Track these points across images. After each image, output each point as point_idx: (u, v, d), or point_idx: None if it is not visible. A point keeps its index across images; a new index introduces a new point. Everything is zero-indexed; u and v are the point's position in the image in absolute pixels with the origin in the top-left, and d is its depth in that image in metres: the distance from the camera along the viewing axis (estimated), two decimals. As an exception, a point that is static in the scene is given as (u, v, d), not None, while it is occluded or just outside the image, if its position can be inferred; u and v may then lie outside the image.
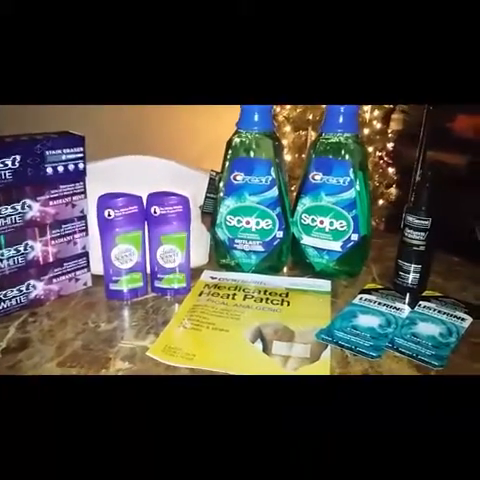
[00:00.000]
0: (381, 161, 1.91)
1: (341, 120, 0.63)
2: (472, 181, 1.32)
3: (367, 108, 1.80)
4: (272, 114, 0.66)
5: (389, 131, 1.88)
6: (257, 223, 0.67)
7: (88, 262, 0.65)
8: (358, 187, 0.65)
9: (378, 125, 1.83)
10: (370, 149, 1.85)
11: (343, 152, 0.64)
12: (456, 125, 1.48)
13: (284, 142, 1.86)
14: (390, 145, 1.90)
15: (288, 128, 1.86)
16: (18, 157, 0.54)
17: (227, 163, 0.67)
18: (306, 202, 0.68)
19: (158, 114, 2.00)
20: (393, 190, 1.93)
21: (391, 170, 1.92)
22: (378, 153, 1.90)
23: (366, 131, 1.80)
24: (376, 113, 1.83)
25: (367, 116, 1.81)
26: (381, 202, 1.91)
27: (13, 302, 0.58)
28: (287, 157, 1.85)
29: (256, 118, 0.64)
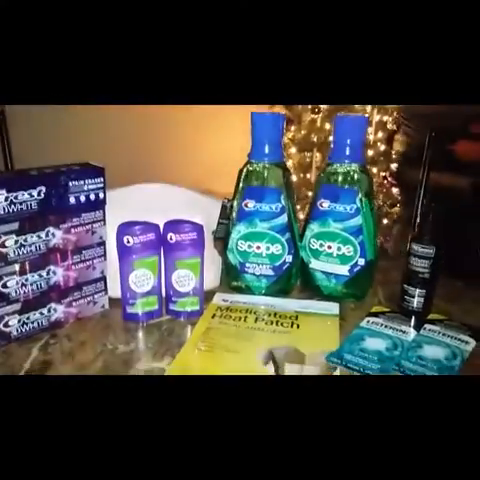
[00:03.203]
0: (385, 181, 1.95)
1: (348, 151, 0.66)
2: (476, 204, 1.35)
3: (371, 130, 1.84)
4: (282, 145, 0.70)
5: (393, 152, 1.92)
6: (267, 248, 0.70)
7: (106, 286, 0.68)
8: (364, 214, 0.68)
9: (382, 147, 1.87)
10: (374, 170, 1.89)
11: (350, 181, 0.67)
12: (458, 148, 1.52)
13: (289, 163, 1.91)
14: (394, 166, 1.94)
15: (293, 149, 1.90)
16: (43, 188, 0.57)
17: (239, 191, 0.70)
18: (314, 228, 0.71)
19: (161, 139, 2.06)
20: (397, 209, 1.96)
21: (395, 190, 1.95)
22: (382, 173, 1.94)
23: (370, 153, 1.84)
24: (380, 135, 1.88)
25: (371, 138, 1.86)
26: (385, 221, 1.94)
27: (35, 325, 0.61)
28: (293, 177, 1.88)
29: (267, 150, 0.67)
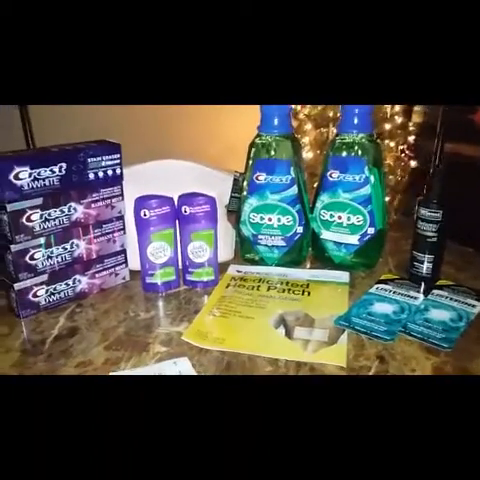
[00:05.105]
0: (403, 155, 1.92)
1: (356, 121, 0.68)
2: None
3: (388, 103, 1.81)
4: (291, 117, 0.71)
5: (410, 124, 1.89)
6: (279, 220, 0.72)
7: (126, 258, 0.71)
8: (373, 183, 0.69)
9: (399, 119, 1.84)
10: (392, 144, 1.87)
11: (358, 151, 0.68)
12: (475, 117, 1.49)
13: (305, 140, 1.90)
14: (411, 138, 1.91)
15: (309, 126, 1.89)
16: (64, 165, 0.61)
17: (250, 164, 0.72)
18: (324, 199, 0.73)
19: (179, 118, 2.07)
20: (416, 183, 1.94)
21: (413, 163, 1.93)
22: (400, 147, 1.92)
23: (387, 126, 1.82)
24: (397, 108, 1.85)
25: (388, 111, 1.83)
26: (404, 196, 1.93)
27: (62, 295, 0.65)
28: (309, 154, 1.88)
29: (276, 122, 0.69)
